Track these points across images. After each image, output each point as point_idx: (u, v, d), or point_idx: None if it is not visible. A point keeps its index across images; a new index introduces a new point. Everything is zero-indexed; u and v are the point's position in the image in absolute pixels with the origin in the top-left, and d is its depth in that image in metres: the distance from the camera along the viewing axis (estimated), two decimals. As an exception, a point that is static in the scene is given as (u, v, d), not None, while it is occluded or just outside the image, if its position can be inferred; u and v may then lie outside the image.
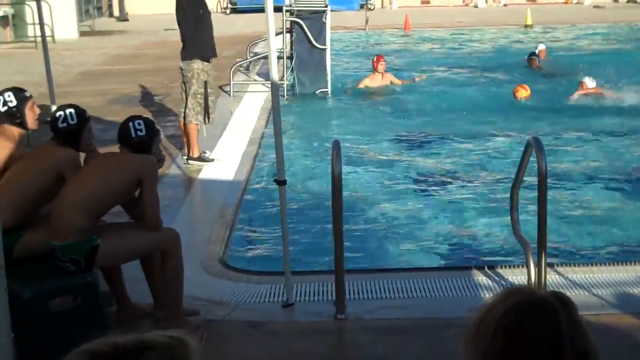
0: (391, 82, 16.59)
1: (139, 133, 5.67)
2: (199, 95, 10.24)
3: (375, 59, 16.71)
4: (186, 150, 10.52)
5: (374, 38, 25.63)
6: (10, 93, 6.06)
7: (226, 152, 11.05)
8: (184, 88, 10.42)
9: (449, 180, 10.23)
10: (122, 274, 5.97)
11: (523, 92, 15.20)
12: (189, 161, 10.39)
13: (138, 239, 5.61)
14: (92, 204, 5.39)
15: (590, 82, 15.09)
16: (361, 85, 16.32)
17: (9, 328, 3.90)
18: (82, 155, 6.02)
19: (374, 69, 16.52)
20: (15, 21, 25.11)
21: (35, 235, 5.51)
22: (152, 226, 5.58)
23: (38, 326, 5.07)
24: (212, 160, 10.51)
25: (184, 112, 10.32)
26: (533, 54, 18.58)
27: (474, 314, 2.10)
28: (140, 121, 5.75)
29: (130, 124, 5.69)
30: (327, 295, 6.43)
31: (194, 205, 9.07)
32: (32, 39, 23.19)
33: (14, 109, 6.02)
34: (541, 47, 19.47)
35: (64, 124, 5.81)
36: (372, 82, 16.37)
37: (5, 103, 5.99)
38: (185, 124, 10.37)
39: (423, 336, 5.73)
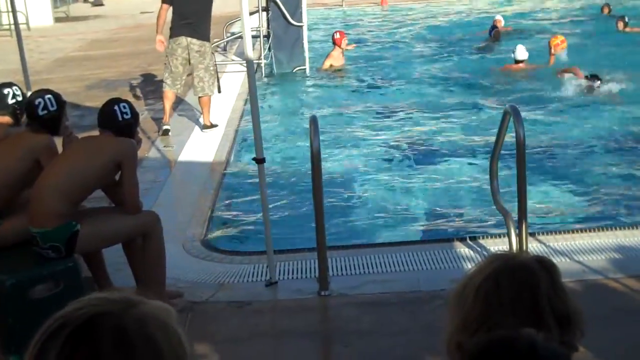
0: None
1: (125, 116, 5.64)
2: (211, 68, 11.06)
3: (338, 36, 16.36)
4: (202, 120, 11.27)
5: (351, 14, 25.54)
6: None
7: (206, 132, 11.02)
8: (184, 63, 10.99)
9: (429, 152, 10.24)
10: (103, 259, 5.97)
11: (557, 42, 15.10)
12: (203, 130, 11.14)
13: (118, 223, 5.59)
14: (71, 189, 5.36)
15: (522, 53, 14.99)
16: (326, 66, 16.13)
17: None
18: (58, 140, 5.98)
19: (338, 45, 16.25)
20: (-11, 10, 24.93)
21: (14, 222, 5.49)
22: (132, 209, 5.57)
23: (20, 313, 5.05)
24: (217, 125, 11.24)
25: (198, 86, 11.03)
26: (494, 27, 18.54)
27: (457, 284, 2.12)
28: (125, 104, 5.72)
29: (116, 107, 5.65)
30: (310, 273, 6.44)
31: (174, 188, 9.04)
32: (7, 27, 23.02)
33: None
34: (497, 17, 19.47)
35: (45, 111, 5.78)
36: (335, 60, 16.21)
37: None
38: (200, 97, 11.13)
39: (406, 309, 5.75)
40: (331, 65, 16.12)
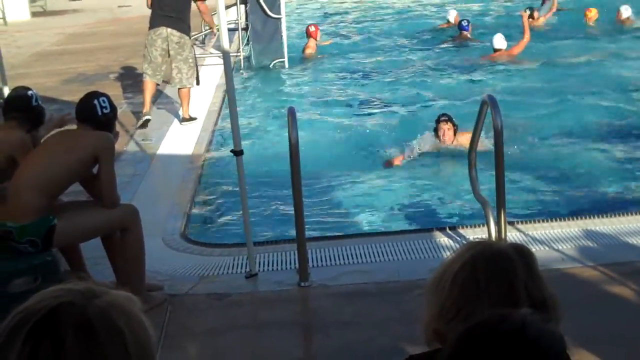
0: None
1: (104, 110, 5.61)
2: (190, 60, 11.01)
3: (313, 29, 16.84)
4: (181, 113, 11.27)
5: (329, 4, 25.50)
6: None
7: (185, 125, 11.00)
8: (163, 54, 10.98)
9: (408, 141, 10.23)
10: (81, 253, 5.94)
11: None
12: (182, 123, 11.11)
13: (96, 216, 5.56)
14: (47, 183, 5.33)
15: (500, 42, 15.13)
16: (306, 55, 16.51)
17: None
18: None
19: (313, 37, 16.67)
20: (-35, 5, 24.73)
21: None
22: (110, 203, 5.54)
23: (-2, 309, 5.01)
24: (196, 118, 11.23)
25: (176, 77, 11.03)
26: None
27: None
28: (105, 98, 5.69)
29: (96, 101, 5.61)
30: (290, 264, 6.44)
31: (154, 181, 9.01)
32: (-16, 21, 22.85)
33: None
34: (452, 12, 19.29)
35: (36, 103, 5.94)
36: (312, 50, 16.62)
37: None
38: (179, 90, 11.12)
39: (386, 299, 5.77)
40: (310, 54, 16.41)
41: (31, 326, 1.49)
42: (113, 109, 5.72)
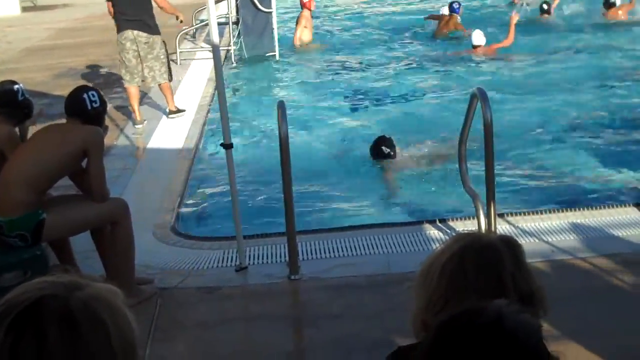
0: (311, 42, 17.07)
1: (94, 105, 5.59)
2: (162, 57, 10.93)
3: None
4: (167, 107, 11.30)
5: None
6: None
7: (175, 119, 10.98)
8: (136, 55, 10.79)
9: (398, 135, 10.22)
10: (71, 247, 5.93)
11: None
12: (170, 116, 11.16)
13: (85, 210, 5.55)
14: (36, 177, 5.32)
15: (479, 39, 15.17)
16: (296, 42, 16.75)
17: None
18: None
19: (307, 8, 16.81)
20: (-45, 0, 24.64)
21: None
22: (99, 197, 5.53)
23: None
24: (184, 110, 11.27)
25: (149, 76, 10.91)
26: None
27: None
28: (94, 92, 5.68)
29: (85, 95, 5.59)
30: (280, 257, 6.44)
31: (144, 175, 8.98)
32: (-27, 16, 22.77)
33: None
34: (444, 9, 18.27)
35: (23, 97, 5.92)
36: (304, 35, 16.81)
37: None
38: (159, 85, 11.09)
39: (376, 292, 5.77)
40: (300, 42, 16.62)
41: (13, 318, 1.48)
42: (103, 103, 5.71)
